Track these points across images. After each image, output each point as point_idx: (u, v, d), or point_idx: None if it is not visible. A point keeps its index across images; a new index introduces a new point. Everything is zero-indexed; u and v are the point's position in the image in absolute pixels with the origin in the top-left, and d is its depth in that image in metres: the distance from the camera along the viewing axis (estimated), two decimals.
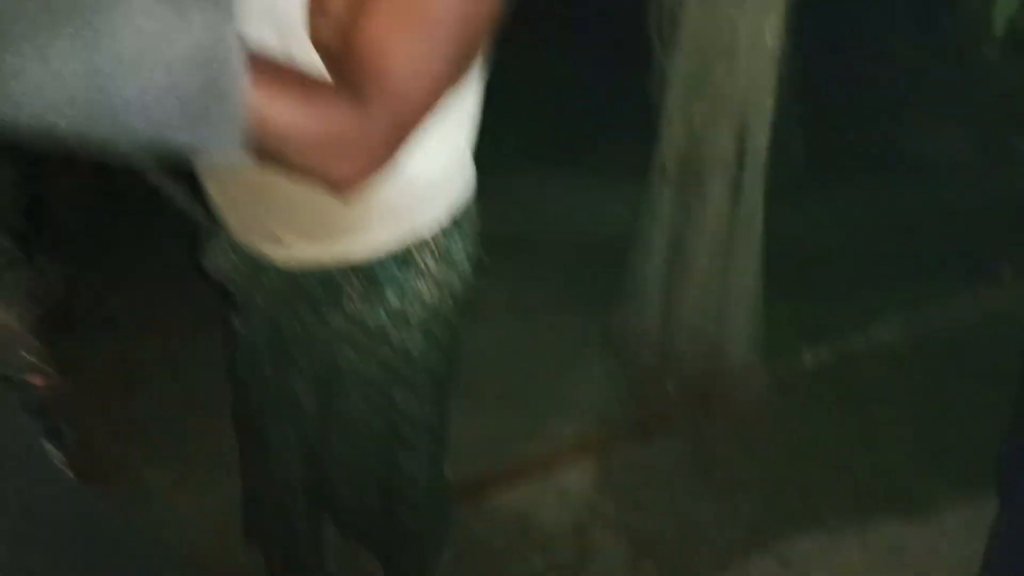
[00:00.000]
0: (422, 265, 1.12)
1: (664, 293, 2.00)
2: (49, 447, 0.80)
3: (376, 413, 1.21)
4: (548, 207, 3.04)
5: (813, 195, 2.93)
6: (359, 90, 0.76)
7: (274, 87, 0.68)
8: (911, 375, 2.45)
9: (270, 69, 0.69)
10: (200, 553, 1.79)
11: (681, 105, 1.78)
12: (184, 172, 1.05)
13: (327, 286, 1.10)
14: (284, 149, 0.71)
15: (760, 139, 1.79)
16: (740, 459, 2.16)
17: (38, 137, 0.55)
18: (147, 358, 2.34)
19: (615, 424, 2.25)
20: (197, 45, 0.57)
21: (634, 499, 2.05)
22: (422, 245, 1.11)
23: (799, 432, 2.26)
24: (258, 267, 1.10)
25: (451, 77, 0.83)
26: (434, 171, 1.07)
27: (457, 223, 1.14)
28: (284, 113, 0.68)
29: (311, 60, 0.83)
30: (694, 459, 2.14)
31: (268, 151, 0.70)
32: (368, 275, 1.09)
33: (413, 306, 1.13)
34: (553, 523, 1.99)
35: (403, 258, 1.10)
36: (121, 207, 2.51)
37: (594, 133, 2.96)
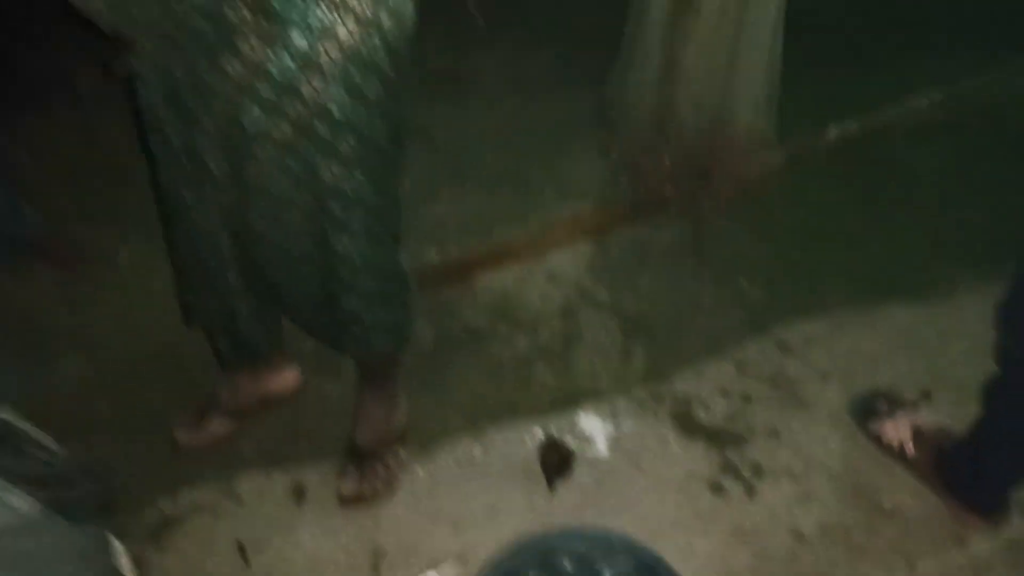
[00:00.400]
0: None
1: (665, 52, 1.73)
2: None
3: (296, 185, 1.06)
4: None
5: None
6: None
7: None
8: (938, 152, 2.23)
9: None
10: (173, 334, 1.74)
11: None
12: None
13: (215, 23, 0.91)
14: None
15: None
16: (744, 240, 2.01)
17: None
18: (118, 137, 2.20)
19: (612, 204, 2.08)
20: None
21: (627, 281, 1.94)
22: None
23: (811, 211, 2.09)
24: None
25: None
26: None
27: None
28: None
29: None
30: (694, 240, 1.99)
31: None
32: (263, 7, 0.89)
33: (326, 49, 0.94)
34: (541, 306, 1.89)
35: None
36: None
37: None
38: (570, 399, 1.71)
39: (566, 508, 1.54)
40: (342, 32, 0.93)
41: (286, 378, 1.60)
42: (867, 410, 1.67)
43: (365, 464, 1.51)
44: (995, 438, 1.41)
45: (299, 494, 1.53)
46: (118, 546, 1.02)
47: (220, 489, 1.53)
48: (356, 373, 1.53)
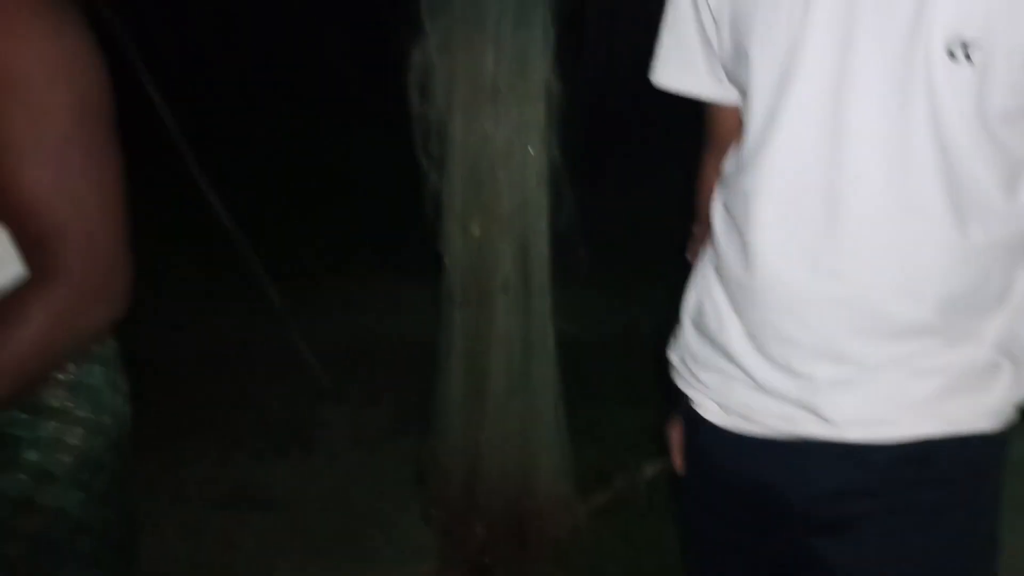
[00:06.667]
0: (58, 406, 1.00)
1: (466, 422, 1.87)
2: None
3: None
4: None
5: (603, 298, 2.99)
6: (47, 263, 0.85)
7: None
8: None
9: None
10: None
11: (459, 226, 1.72)
12: None
13: None
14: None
15: (540, 258, 1.74)
16: None
17: None
18: None
19: (451, 566, 2.07)
20: None
21: None
22: (53, 384, 0.99)
23: (640, 551, 2.12)
24: None
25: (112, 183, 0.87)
26: None
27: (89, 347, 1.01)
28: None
29: None
30: None
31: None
32: None
33: (58, 458, 1.01)
34: None
35: (33, 404, 0.99)
36: None
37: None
38: None
39: None
40: (71, 440, 1.01)
41: None
42: None
43: None
44: None
45: None
46: None
47: None
48: None
